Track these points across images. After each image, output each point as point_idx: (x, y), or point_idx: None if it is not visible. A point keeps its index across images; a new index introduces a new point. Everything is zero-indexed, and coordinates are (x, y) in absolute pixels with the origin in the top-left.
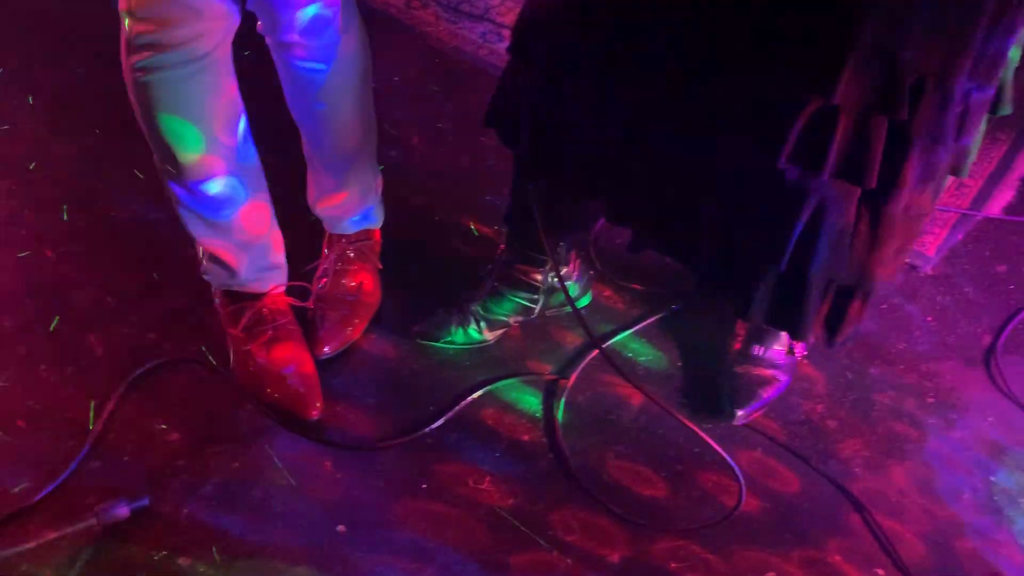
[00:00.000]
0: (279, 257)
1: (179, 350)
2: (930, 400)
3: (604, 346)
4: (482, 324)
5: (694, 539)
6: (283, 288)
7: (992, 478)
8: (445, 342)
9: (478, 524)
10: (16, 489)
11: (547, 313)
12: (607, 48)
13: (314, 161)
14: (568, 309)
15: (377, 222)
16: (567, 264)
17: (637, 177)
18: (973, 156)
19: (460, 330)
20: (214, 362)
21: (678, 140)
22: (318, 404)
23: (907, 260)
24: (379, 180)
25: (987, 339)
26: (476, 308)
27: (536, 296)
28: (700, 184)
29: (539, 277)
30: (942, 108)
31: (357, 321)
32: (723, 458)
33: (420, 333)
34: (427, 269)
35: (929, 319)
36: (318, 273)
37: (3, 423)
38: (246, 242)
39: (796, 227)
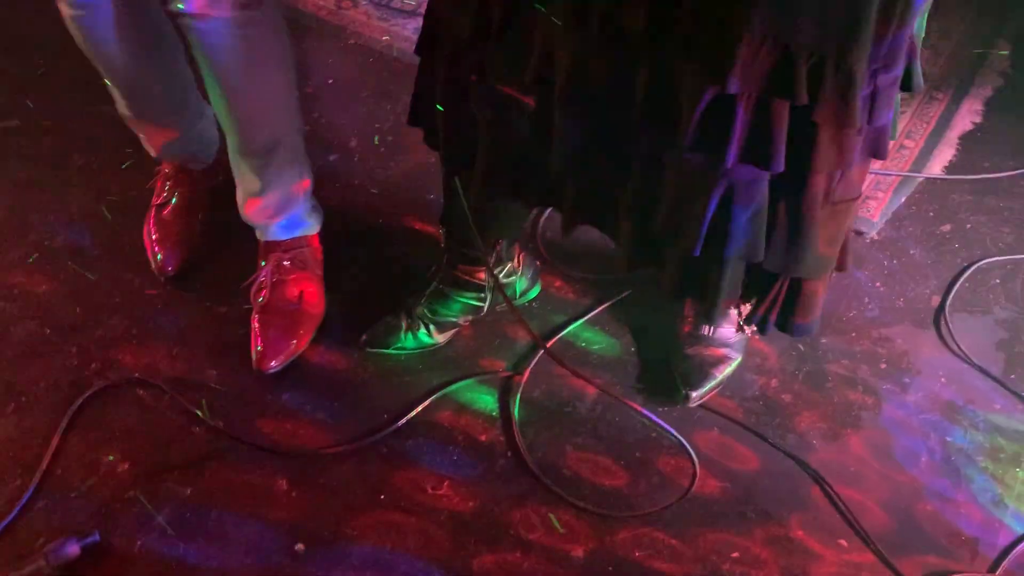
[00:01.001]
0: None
1: (121, 378)
2: (883, 366)
3: (556, 338)
4: (431, 327)
5: (657, 525)
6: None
7: (948, 438)
8: (396, 348)
9: (439, 530)
10: None
11: (497, 308)
12: (505, 38)
13: (235, 158)
14: (519, 302)
15: (311, 227)
16: (512, 259)
17: (551, 168)
18: (894, 135)
19: (410, 335)
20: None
21: (587, 129)
22: (171, 268)
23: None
24: (306, 181)
25: (935, 300)
26: (424, 311)
27: (483, 294)
28: (614, 171)
29: (482, 276)
30: (846, 92)
31: (302, 332)
32: (679, 440)
33: (369, 341)
34: (373, 274)
35: (878, 284)
36: (255, 287)
37: None
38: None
39: (707, 212)
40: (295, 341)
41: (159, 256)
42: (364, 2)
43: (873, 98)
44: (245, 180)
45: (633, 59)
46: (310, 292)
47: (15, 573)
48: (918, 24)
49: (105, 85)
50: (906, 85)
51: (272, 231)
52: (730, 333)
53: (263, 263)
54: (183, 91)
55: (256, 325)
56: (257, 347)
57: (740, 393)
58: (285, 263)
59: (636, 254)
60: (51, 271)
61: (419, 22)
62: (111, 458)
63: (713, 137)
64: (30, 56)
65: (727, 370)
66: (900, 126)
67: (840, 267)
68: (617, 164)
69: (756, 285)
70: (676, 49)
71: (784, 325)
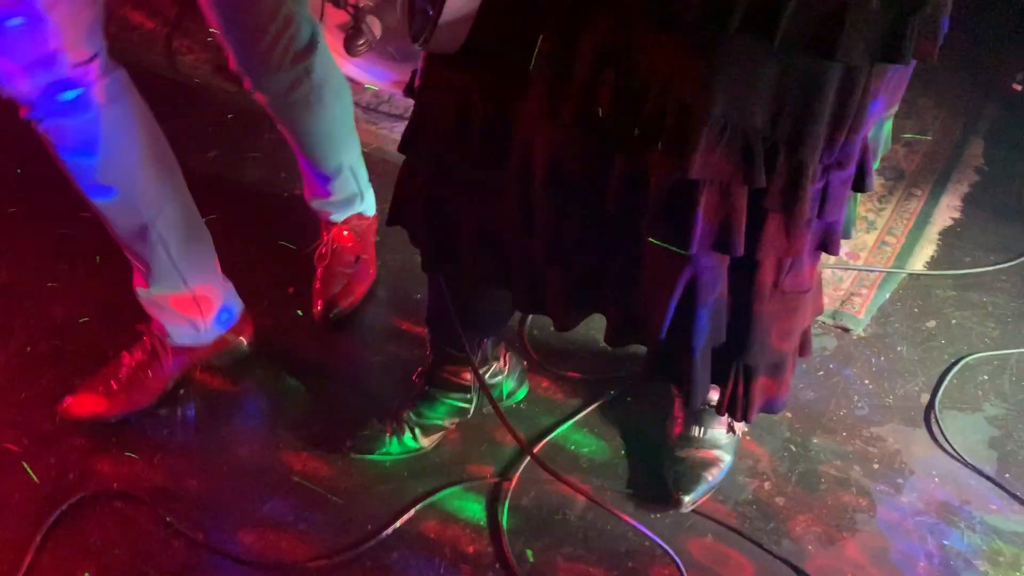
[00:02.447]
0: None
1: (99, 488)
2: (876, 466)
3: (544, 441)
4: (417, 431)
5: None
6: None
7: (945, 542)
8: (381, 454)
9: None
10: None
11: (484, 411)
12: (485, 141)
13: None
14: (506, 403)
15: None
16: (498, 359)
17: (532, 260)
18: (849, 233)
19: (395, 440)
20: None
21: (568, 216)
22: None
23: (809, 332)
24: None
25: (925, 397)
26: (409, 415)
27: (468, 395)
28: (597, 257)
29: (468, 376)
30: (796, 182)
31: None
32: (668, 550)
33: (355, 447)
34: (358, 378)
35: (866, 382)
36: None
37: None
38: None
39: (672, 299)
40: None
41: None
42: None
43: (824, 193)
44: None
45: (607, 145)
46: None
47: None
48: (878, 130)
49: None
50: (858, 186)
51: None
52: (721, 434)
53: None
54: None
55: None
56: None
57: (733, 497)
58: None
59: (620, 334)
60: (31, 378)
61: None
62: (87, 575)
63: (678, 222)
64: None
65: (719, 473)
66: (881, 223)
67: (802, 352)
68: (600, 250)
69: (717, 374)
70: (644, 135)
71: (747, 415)
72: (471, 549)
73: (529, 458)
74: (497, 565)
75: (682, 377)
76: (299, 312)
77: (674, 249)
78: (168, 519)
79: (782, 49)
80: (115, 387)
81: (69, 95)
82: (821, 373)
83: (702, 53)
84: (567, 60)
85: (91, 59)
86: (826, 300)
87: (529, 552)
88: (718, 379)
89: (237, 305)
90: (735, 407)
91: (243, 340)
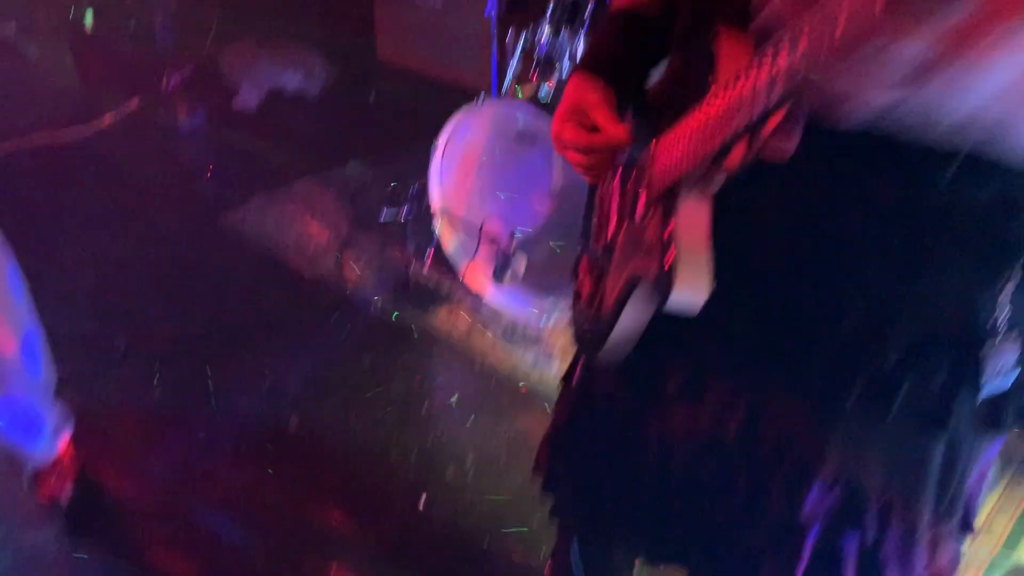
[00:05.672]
0: None
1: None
2: None
3: None
4: None
5: None
6: None
7: None
8: None
9: None
10: None
11: None
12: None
13: None
14: None
15: None
16: None
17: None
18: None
19: None
20: None
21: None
22: None
23: None
24: None
25: None
26: None
27: None
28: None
29: None
30: (909, 536)
31: None
32: None
33: None
34: None
35: None
36: None
37: None
38: None
39: None
40: None
41: None
42: (491, 332)
43: (935, 542)
44: None
45: (730, 470)
46: None
47: None
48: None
49: None
50: (965, 526)
51: None
52: None
53: None
54: None
55: None
56: None
57: None
58: None
59: None
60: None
61: (540, 349)
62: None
63: (788, 560)
64: None
65: None
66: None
67: None
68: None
69: None
70: (762, 476)
71: None
72: None
73: None
74: None
75: None
76: None
77: None
78: None
79: (895, 424)
80: None
81: None
82: None
83: (820, 418)
84: (699, 393)
85: None
86: None
87: None
88: None
89: None
90: None
91: None
